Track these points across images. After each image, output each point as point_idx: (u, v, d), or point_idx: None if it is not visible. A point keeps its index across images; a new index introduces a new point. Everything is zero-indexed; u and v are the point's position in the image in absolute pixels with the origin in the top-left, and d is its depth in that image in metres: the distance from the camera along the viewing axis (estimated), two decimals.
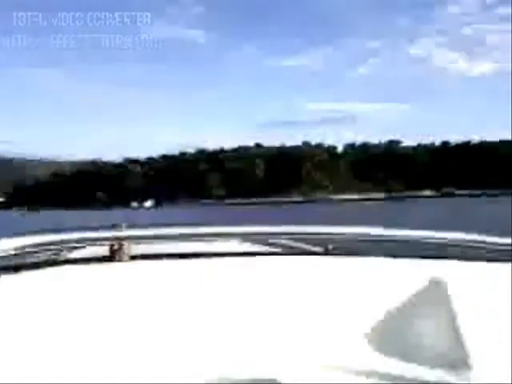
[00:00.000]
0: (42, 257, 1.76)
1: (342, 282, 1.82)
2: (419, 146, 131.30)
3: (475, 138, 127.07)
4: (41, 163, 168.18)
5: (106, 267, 1.65)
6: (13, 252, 1.48)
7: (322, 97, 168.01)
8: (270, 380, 1.55)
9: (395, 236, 1.90)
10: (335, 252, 1.95)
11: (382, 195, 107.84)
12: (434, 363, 1.65)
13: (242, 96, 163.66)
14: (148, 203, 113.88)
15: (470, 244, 1.90)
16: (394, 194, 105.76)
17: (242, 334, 1.65)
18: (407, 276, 1.85)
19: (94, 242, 1.66)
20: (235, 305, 1.67)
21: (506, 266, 1.84)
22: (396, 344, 1.75)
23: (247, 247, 2.13)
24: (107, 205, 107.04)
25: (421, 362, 1.67)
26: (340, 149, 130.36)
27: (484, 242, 1.89)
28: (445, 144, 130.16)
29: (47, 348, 1.49)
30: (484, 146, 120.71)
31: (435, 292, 1.79)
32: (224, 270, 1.74)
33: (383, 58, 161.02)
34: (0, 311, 1.48)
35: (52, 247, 1.61)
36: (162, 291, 1.64)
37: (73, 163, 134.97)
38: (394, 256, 1.91)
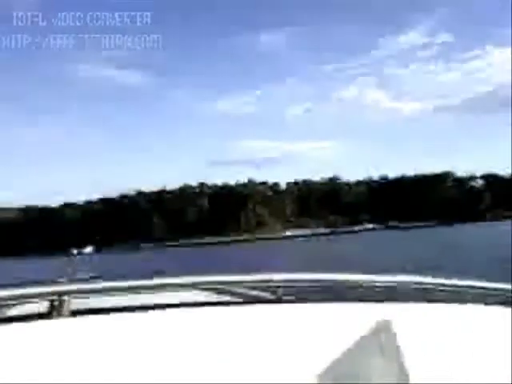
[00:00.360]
0: None
1: (292, 329, 1.80)
2: (358, 182, 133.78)
3: (411, 172, 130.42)
4: None
5: (46, 324, 1.55)
6: None
7: (260, 137, 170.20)
8: None
9: (345, 281, 1.95)
10: (286, 298, 1.95)
11: (327, 230, 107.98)
12: None
13: (180, 137, 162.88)
14: (88, 249, 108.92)
15: (417, 286, 1.97)
16: (339, 230, 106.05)
17: None
18: (355, 320, 1.86)
19: (32, 298, 1.57)
20: (184, 359, 1.61)
21: (453, 306, 1.92)
22: None
23: (195, 297, 2.10)
24: (44, 253, 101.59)
25: None
26: (283, 186, 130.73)
27: (431, 284, 1.97)
28: (383, 179, 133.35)
29: None
30: (420, 180, 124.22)
31: (383, 335, 1.82)
32: (170, 322, 1.67)
33: (315, 99, 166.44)
34: None
35: None
36: (105, 348, 1.56)
37: (1, 210, 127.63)
38: (344, 300, 1.94)
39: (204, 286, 1.98)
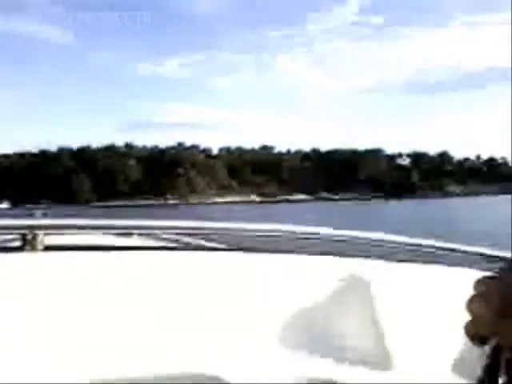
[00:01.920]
0: None
1: (256, 279, 1.73)
2: (290, 152, 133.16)
3: (343, 147, 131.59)
4: None
5: (19, 257, 1.53)
6: None
7: (190, 102, 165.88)
8: (198, 375, 1.51)
9: (314, 234, 1.88)
10: (245, 249, 1.89)
11: (258, 199, 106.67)
12: (356, 363, 1.60)
13: (108, 97, 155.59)
14: (3, 205, 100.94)
15: (392, 245, 1.94)
16: (269, 199, 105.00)
17: (159, 329, 1.59)
18: (328, 274, 1.79)
19: (4, 230, 1.55)
20: (146, 299, 1.60)
21: (427, 267, 1.92)
22: (316, 344, 1.68)
23: (148, 242, 2.09)
24: None
25: (342, 361, 1.61)
26: (215, 151, 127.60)
27: (407, 244, 1.94)
28: (314, 151, 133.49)
29: None
30: (351, 155, 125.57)
31: (357, 290, 1.76)
32: (133, 264, 1.67)
33: (250, 70, 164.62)
34: None
35: None
36: (75, 283, 1.56)
37: None
38: (314, 254, 1.88)
39: (158, 233, 1.98)
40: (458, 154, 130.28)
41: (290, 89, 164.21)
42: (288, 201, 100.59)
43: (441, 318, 1.72)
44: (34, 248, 1.51)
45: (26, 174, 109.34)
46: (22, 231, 1.51)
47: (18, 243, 1.53)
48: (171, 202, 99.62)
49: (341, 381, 1.54)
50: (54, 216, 1.60)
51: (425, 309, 1.76)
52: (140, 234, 2.00)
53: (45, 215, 1.56)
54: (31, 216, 1.55)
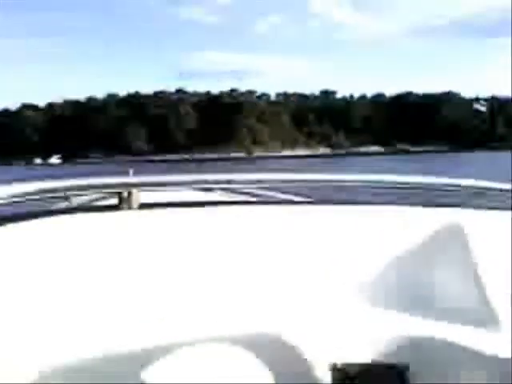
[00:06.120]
0: (46, 205, 1.71)
1: (343, 230, 1.69)
2: (353, 98, 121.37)
3: (408, 90, 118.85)
4: None
5: (119, 215, 1.57)
6: (12, 200, 1.35)
7: (232, 49, 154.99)
8: (274, 335, 1.46)
9: (404, 182, 1.77)
10: (331, 201, 1.83)
11: (328, 151, 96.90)
12: (459, 322, 1.48)
13: (150, 45, 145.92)
14: (53, 159, 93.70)
15: (491, 192, 1.76)
16: (343, 151, 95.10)
17: (247, 287, 1.60)
18: (422, 223, 1.69)
19: (101, 188, 1.57)
20: (241, 256, 1.62)
21: None
22: (408, 297, 1.60)
23: (230, 197, 2.07)
24: None
25: (440, 317, 1.51)
26: (273, 98, 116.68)
27: (506, 190, 1.74)
28: (380, 96, 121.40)
29: (50, 301, 1.40)
30: (422, 100, 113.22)
31: (454, 240, 1.65)
32: (233, 218, 1.67)
33: (284, 13, 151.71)
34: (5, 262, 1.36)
35: (56, 194, 1.50)
36: (176, 239, 1.60)
37: None
38: (404, 205, 1.78)
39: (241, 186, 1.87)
40: None
41: (334, 33, 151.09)
42: (360, 153, 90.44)
43: None
44: (129, 206, 1.55)
45: (74, 125, 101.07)
46: (118, 189, 1.54)
47: (113, 201, 1.57)
48: (233, 154, 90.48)
49: (439, 338, 1.42)
50: (142, 174, 1.59)
51: None
52: (223, 189, 1.99)
53: (135, 173, 1.54)
54: (125, 174, 1.53)
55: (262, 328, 1.48)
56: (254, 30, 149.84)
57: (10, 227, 1.43)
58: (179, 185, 1.69)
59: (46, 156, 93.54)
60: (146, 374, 1.36)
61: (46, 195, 1.46)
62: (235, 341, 1.44)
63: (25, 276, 1.39)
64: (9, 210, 1.46)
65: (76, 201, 1.77)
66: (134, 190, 1.56)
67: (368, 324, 1.51)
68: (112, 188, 1.56)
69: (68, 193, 1.52)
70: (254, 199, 2.00)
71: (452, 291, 1.60)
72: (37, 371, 1.25)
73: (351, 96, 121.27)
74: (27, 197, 1.39)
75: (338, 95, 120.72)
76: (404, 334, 1.46)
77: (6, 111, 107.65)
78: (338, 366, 1.44)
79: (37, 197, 1.43)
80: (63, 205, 1.74)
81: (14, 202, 1.36)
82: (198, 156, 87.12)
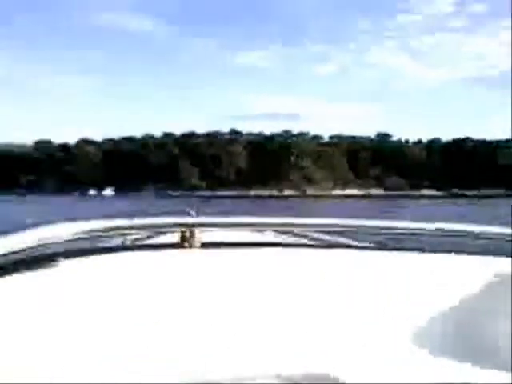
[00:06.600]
0: (112, 242, 1.76)
1: (400, 277, 1.71)
2: (408, 142, 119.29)
3: (463, 136, 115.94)
4: None
5: (182, 253, 1.61)
6: (80, 236, 1.40)
7: (282, 93, 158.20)
8: (323, 375, 1.51)
9: (451, 231, 1.79)
10: (389, 248, 1.87)
11: (381, 192, 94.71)
12: (509, 368, 1.50)
13: (202, 87, 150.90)
14: (107, 191, 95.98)
15: None
16: (395, 193, 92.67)
17: (305, 328, 1.61)
18: (471, 272, 1.71)
19: (165, 228, 1.62)
20: (301, 298, 1.63)
21: None
22: (463, 346, 1.62)
23: (284, 240, 2.10)
24: (56, 191, 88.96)
25: (494, 366, 1.52)
26: (326, 139, 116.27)
27: None
28: (434, 142, 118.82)
29: (116, 332, 1.44)
30: (478, 146, 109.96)
31: (504, 289, 1.66)
32: (289, 260, 1.69)
33: (340, 61, 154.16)
34: (71, 295, 1.42)
35: (121, 232, 1.54)
36: (231, 278, 1.62)
37: (19, 146, 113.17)
38: (454, 252, 1.81)
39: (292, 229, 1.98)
40: None
41: (385, 80, 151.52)
42: (416, 197, 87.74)
43: None
44: (191, 245, 1.60)
45: (129, 159, 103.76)
46: (181, 229, 1.59)
47: (175, 240, 1.61)
48: (286, 193, 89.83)
49: None
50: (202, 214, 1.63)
51: None
52: (276, 231, 2.06)
53: (197, 213, 1.59)
54: (187, 214, 1.57)
55: (320, 370, 1.50)
56: (312, 76, 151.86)
57: (82, 261, 1.48)
58: (239, 226, 1.71)
59: (100, 188, 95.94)
60: None
61: (110, 233, 1.50)
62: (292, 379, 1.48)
63: (97, 305, 1.43)
64: (75, 245, 1.46)
65: (128, 238, 1.86)
66: (196, 230, 1.60)
67: (423, 370, 1.52)
68: (177, 227, 1.59)
69: (132, 231, 1.58)
70: (312, 242, 2.03)
71: (505, 337, 1.58)
72: None
73: (407, 140, 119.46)
74: (91, 234, 1.42)
75: (394, 139, 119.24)
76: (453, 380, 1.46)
77: (66, 145, 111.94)
78: None
79: (104, 234, 1.47)
80: (118, 241, 1.80)
81: (78, 238, 1.39)
82: (247, 193, 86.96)
